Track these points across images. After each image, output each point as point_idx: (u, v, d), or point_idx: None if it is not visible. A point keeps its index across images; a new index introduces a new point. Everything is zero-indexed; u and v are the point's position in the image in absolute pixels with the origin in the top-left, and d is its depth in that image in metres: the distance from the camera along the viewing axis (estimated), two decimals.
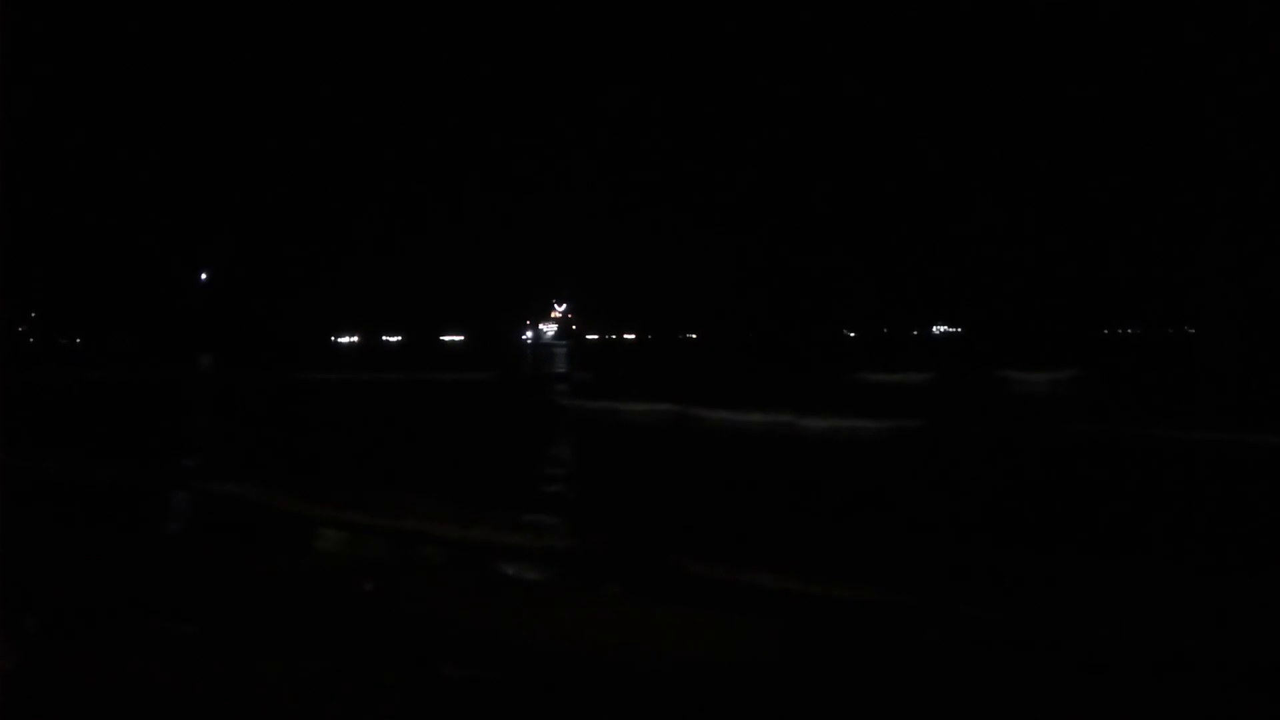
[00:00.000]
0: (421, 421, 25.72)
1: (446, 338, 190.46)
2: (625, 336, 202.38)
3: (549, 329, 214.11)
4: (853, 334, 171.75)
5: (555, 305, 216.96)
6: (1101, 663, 6.31)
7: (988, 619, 7.36)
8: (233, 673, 5.91)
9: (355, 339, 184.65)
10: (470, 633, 6.93)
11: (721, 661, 6.24)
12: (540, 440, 19.69)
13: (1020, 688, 5.75)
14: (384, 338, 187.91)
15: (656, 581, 8.59)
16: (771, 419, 20.88)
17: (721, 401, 23.40)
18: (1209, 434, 16.88)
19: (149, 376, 49.51)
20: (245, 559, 9.31)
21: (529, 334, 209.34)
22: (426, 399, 34.42)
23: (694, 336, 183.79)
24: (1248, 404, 26.62)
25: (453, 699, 5.68)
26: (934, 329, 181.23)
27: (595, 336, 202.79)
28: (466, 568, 9.36)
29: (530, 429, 22.23)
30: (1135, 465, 15.52)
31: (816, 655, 6.39)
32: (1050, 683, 5.82)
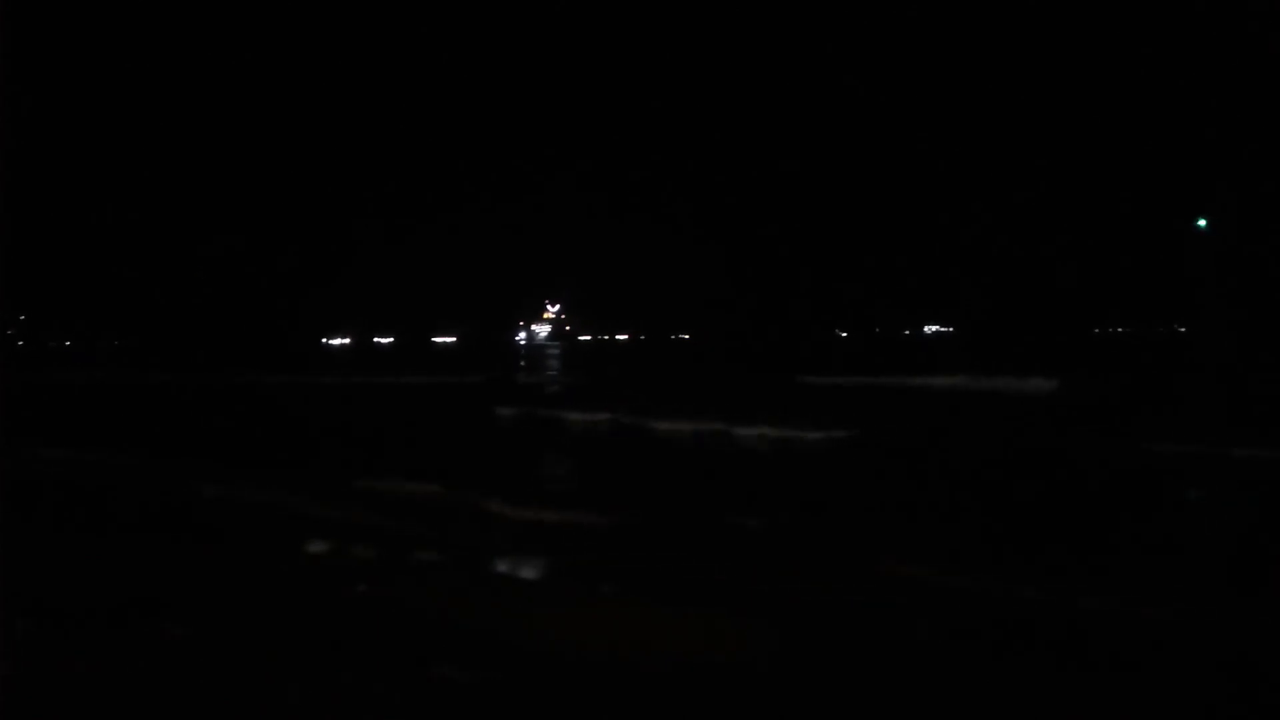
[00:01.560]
0: (388, 428, 25.51)
1: (438, 339, 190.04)
2: (618, 337, 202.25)
3: (542, 330, 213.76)
4: (845, 334, 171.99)
5: (548, 306, 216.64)
6: None
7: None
8: (225, 675, 5.91)
9: (346, 340, 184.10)
10: (463, 632, 6.94)
11: (716, 661, 6.27)
12: (468, 448, 19.76)
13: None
14: (375, 339, 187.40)
15: (651, 581, 8.62)
16: (707, 427, 20.79)
17: (667, 410, 23.35)
18: (1178, 446, 16.38)
19: (147, 380, 49.30)
20: (241, 560, 9.31)
21: (522, 335, 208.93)
22: (401, 404, 33.90)
23: (686, 337, 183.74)
24: (1237, 411, 26.58)
25: (446, 699, 5.69)
26: (926, 329, 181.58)
27: (588, 337, 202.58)
28: (459, 567, 9.36)
29: (470, 438, 21.89)
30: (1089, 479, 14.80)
31: (806, 653, 6.43)
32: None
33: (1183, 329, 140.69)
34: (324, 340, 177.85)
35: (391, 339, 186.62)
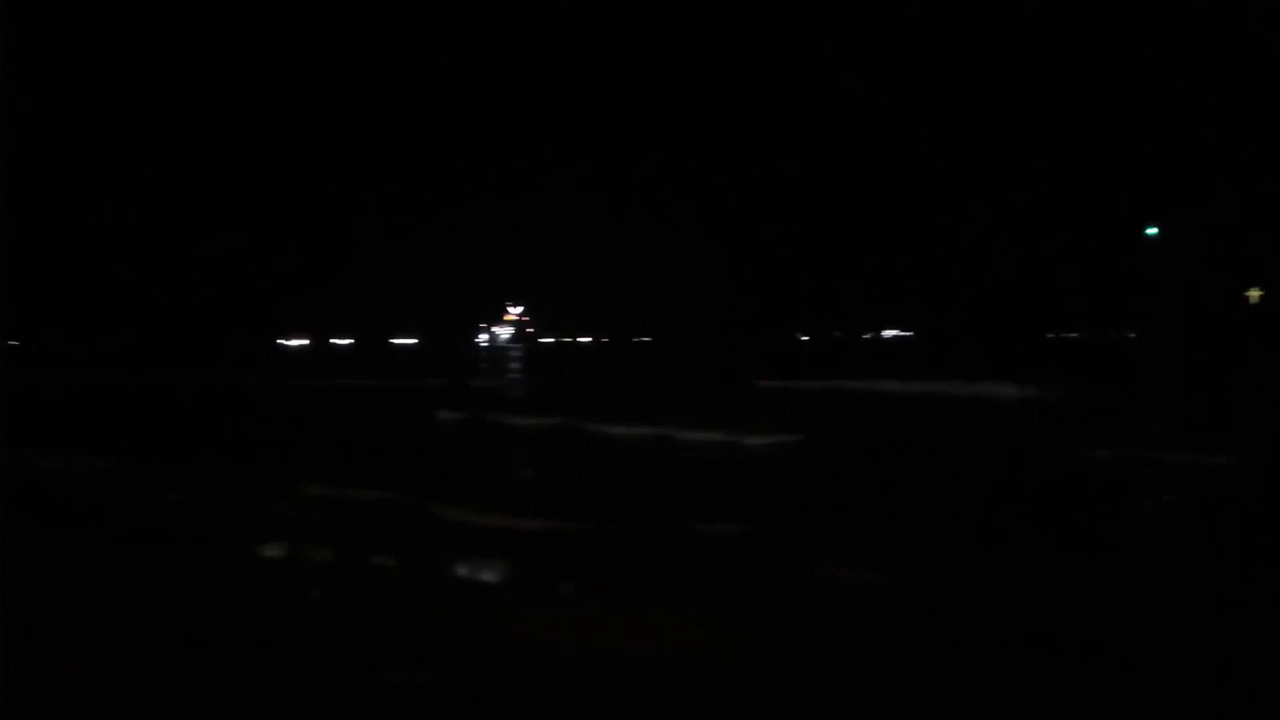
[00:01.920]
0: (337, 432, 25.08)
1: (398, 340, 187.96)
2: (580, 340, 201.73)
3: (504, 332, 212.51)
4: (805, 338, 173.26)
5: (510, 308, 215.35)
6: None
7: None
8: (166, 681, 5.82)
9: (305, 342, 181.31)
10: (420, 637, 6.91)
11: (679, 659, 6.31)
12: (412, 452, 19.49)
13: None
14: (333, 341, 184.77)
15: (609, 583, 8.64)
16: (655, 431, 20.60)
17: (618, 415, 23.25)
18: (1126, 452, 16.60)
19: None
20: (195, 564, 9.17)
21: (484, 337, 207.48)
22: (352, 408, 33.31)
23: (648, 340, 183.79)
24: (1178, 416, 27.10)
25: (403, 704, 5.66)
26: (885, 333, 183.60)
27: (550, 340, 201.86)
28: (412, 572, 9.30)
29: (422, 442, 21.56)
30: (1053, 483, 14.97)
31: (764, 651, 6.49)
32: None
33: (1132, 335, 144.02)
34: (281, 342, 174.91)
35: (350, 340, 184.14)
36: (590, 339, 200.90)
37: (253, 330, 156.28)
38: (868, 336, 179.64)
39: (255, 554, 10.27)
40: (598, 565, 9.41)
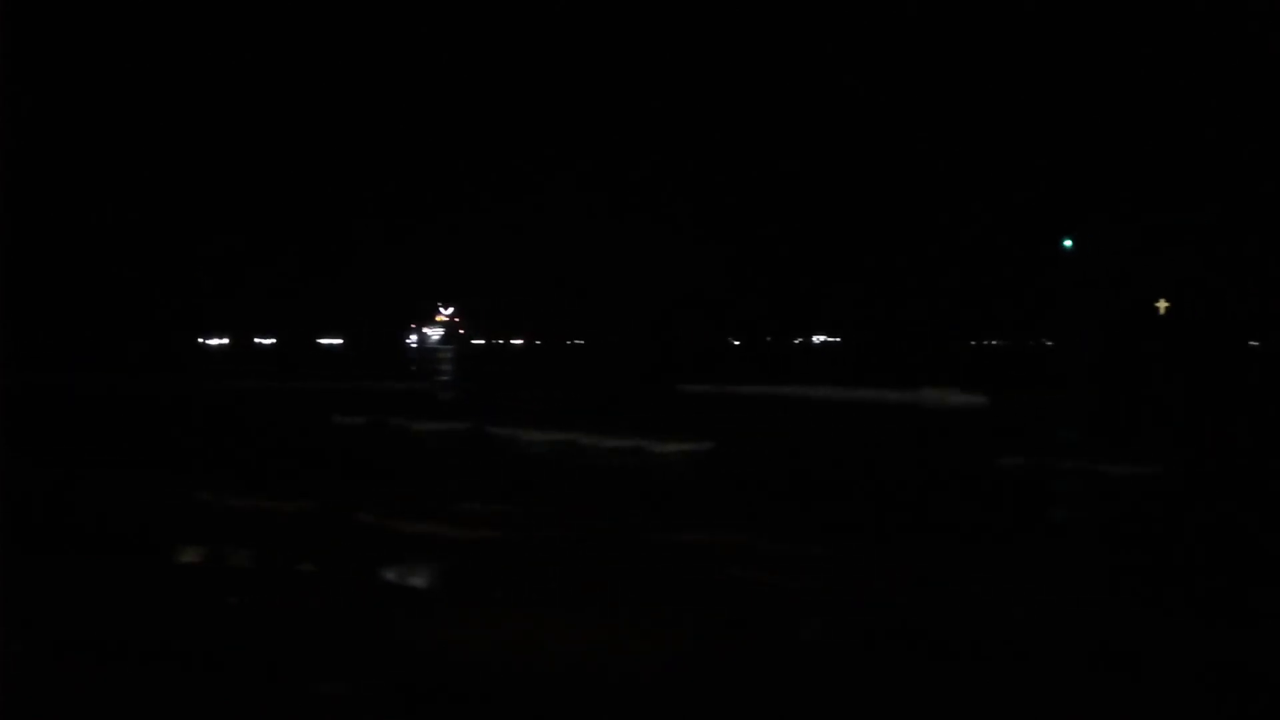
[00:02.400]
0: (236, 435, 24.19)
1: (324, 340, 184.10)
2: (513, 341, 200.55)
3: (434, 333, 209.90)
4: (737, 342, 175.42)
5: (441, 308, 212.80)
6: None
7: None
8: (80, 697, 5.52)
9: (224, 341, 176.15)
10: (343, 646, 6.70)
11: (606, 661, 6.25)
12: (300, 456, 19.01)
13: None
14: (256, 340, 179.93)
15: (540, 587, 8.53)
16: (563, 437, 20.24)
17: (528, 419, 23.01)
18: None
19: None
20: (101, 569, 8.76)
21: (413, 337, 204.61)
22: (255, 410, 31.91)
23: (581, 342, 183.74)
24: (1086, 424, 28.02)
25: (324, 717, 5.47)
26: (815, 338, 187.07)
27: (481, 341, 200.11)
28: (337, 580, 9.04)
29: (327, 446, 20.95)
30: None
31: (697, 654, 6.48)
32: None
33: (1049, 343, 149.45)
34: (201, 340, 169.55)
35: (273, 340, 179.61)
36: (522, 341, 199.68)
37: (170, 328, 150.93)
38: (798, 341, 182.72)
39: (169, 561, 9.85)
40: (523, 571, 9.28)
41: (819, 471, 17.16)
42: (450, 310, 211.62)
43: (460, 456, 19.06)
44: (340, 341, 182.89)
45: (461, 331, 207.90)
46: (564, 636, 6.93)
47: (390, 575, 9.41)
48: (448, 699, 5.76)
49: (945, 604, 8.11)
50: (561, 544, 10.36)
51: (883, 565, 9.37)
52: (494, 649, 6.67)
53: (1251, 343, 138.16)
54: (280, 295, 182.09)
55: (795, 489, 14.91)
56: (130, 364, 58.00)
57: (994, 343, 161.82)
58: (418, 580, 9.44)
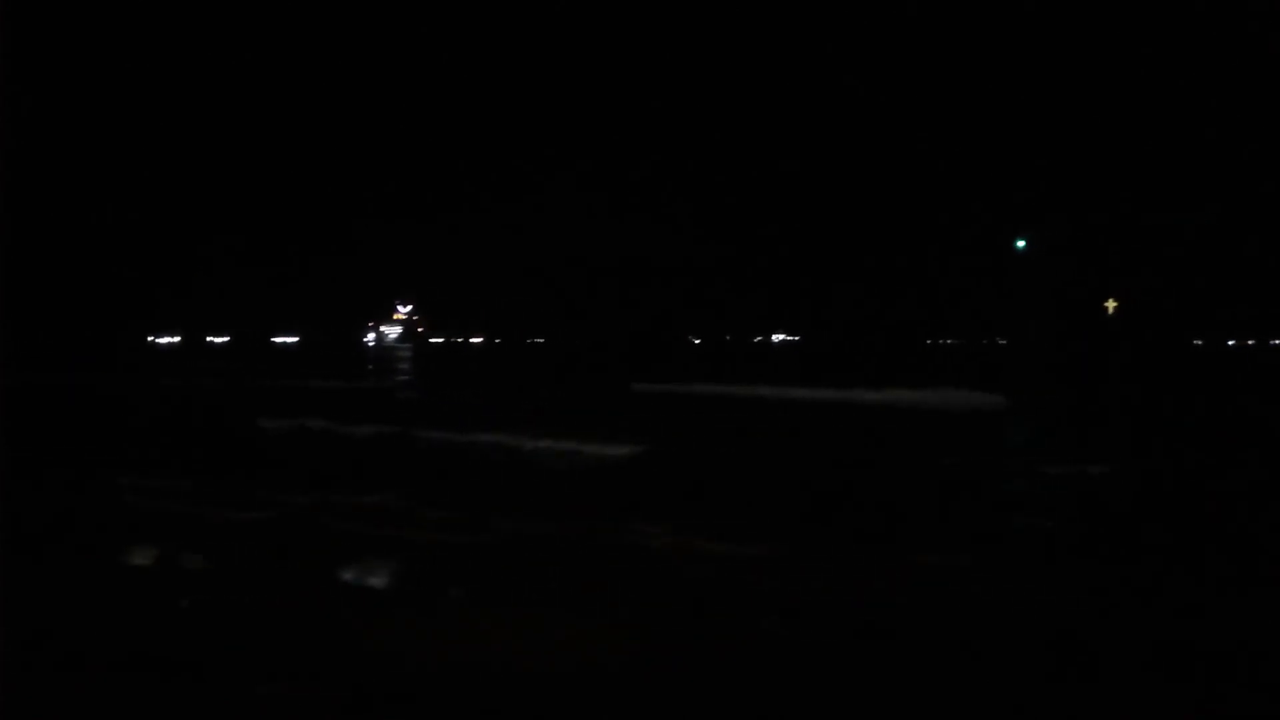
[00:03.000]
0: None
1: (279, 339, 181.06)
2: (472, 340, 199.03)
3: (392, 331, 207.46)
4: (698, 340, 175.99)
5: (399, 306, 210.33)
6: None
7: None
8: (33, 700, 5.38)
9: (176, 339, 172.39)
10: (290, 647, 6.60)
11: (564, 664, 6.23)
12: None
13: None
14: (208, 338, 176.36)
15: (500, 586, 8.49)
16: (501, 440, 19.69)
17: (466, 421, 22.69)
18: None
19: None
20: (59, 568, 8.54)
21: (371, 336, 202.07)
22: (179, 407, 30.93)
23: (540, 341, 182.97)
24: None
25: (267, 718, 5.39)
26: (774, 337, 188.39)
27: (440, 340, 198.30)
28: (292, 576, 8.91)
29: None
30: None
31: (646, 652, 6.49)
32: None
33: (1003, 341, 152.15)
34: (151, 338, 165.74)
35: (226, 338, 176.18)
36: (482, 339, 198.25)
37: (120, 325, 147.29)
38: (758, 339, 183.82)
39: (117, 563, 9.62)
40: (469, 571, 9.23)
41: (753, 471, 16.92)
42: (409, 309, 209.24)
43: (381, 460, 18.40)
44: (295, 340, 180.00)
45: (420, 330, 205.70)
46: (519, 636, 6.90)
47: (349, 572, 9.31)
48: (385, 699, 5.71)
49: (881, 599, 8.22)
50: (516, 543, 10.32)
51: (811, 564, 9.44)
52: (444, 649, 6.62)
53: (1195, 341, 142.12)
54: (237, 293, 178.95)
55: (728, 487, 14.83)
56: (63, 361, 55.92)
57: (948, 341, 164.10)
58: (375, 578, 9.34)
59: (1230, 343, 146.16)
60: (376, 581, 9.28)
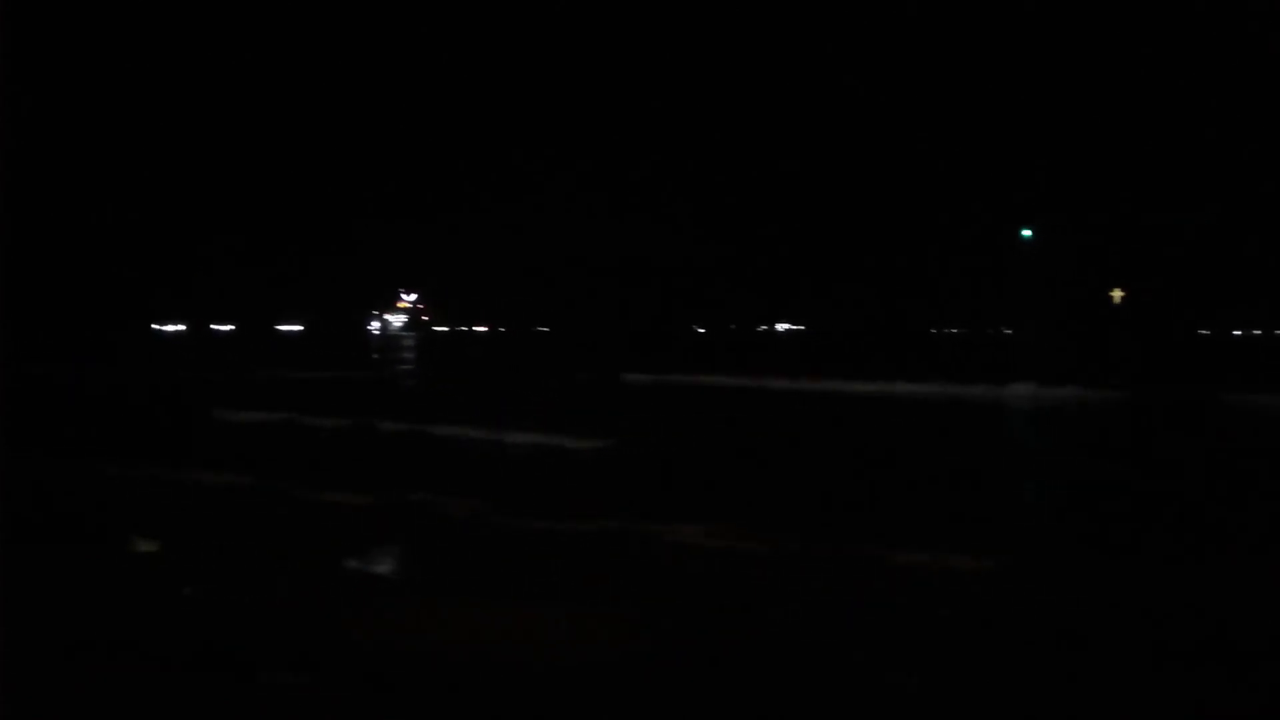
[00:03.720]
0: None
1: (283, 328, 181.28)
2: (477, 329, 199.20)
3: (397, 320, 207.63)
4: (702, 330, 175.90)
5: (403, 294, 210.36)
6: None
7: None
8: (31, 692, 5.33)
9: (181, 328, 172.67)
10: (291, 636, 6.56)
11: (564, 658, 6.19)
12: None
13: None
14: (213, 327, 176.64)
15: (500, 579, 8.44)
16: (479, 435, 19.03)
17: (447, 414, 22.27)
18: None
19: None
20: (56, 559, 8.51)
21: (375, 325, 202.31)
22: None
23: (546, 330, 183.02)
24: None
25: (267, 707, 5.34)
26: (779, 326, 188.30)
27: (445, 328, 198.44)
28: (297, 567, 8.86)
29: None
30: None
31: (643, 649, 6.45)
32: None
33: (1009, 331, 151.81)
34: (155, 327, 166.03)
35: (231, 327, 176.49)
36: (486, 328, 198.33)
37: (125, 314, 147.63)
38: (762, 329, 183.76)
39: (115, 549, 9.60)
40: (478, 563, 9.19)
41: (728, 464, 16.61)
42: (413, 297, 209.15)
43: (348, 452, 18.10)
44: (300, 328, 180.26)
45: (425, 318, 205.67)
46: (526, 625, 6.87)
47: (352, 562, 9.26)
48: (390, 690, 5.66)
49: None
50: (501, 535, 10.27)
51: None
52: (444, 641, 6.58)
53: (1201, 331, 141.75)
54: (241, 281, 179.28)
55: (702, 480, 14.65)
56: (64, 351, 55.68)
57: (954, 331, 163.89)
58: (377, 567, 9.31)
59: (1236, 333, 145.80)
60: (394, 572, 9.26)
